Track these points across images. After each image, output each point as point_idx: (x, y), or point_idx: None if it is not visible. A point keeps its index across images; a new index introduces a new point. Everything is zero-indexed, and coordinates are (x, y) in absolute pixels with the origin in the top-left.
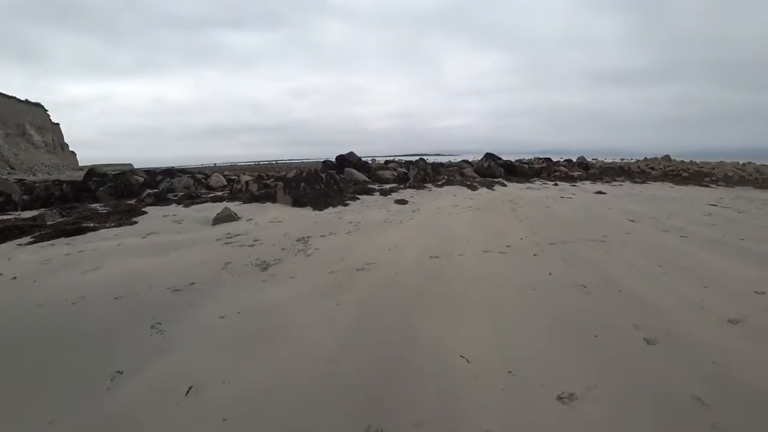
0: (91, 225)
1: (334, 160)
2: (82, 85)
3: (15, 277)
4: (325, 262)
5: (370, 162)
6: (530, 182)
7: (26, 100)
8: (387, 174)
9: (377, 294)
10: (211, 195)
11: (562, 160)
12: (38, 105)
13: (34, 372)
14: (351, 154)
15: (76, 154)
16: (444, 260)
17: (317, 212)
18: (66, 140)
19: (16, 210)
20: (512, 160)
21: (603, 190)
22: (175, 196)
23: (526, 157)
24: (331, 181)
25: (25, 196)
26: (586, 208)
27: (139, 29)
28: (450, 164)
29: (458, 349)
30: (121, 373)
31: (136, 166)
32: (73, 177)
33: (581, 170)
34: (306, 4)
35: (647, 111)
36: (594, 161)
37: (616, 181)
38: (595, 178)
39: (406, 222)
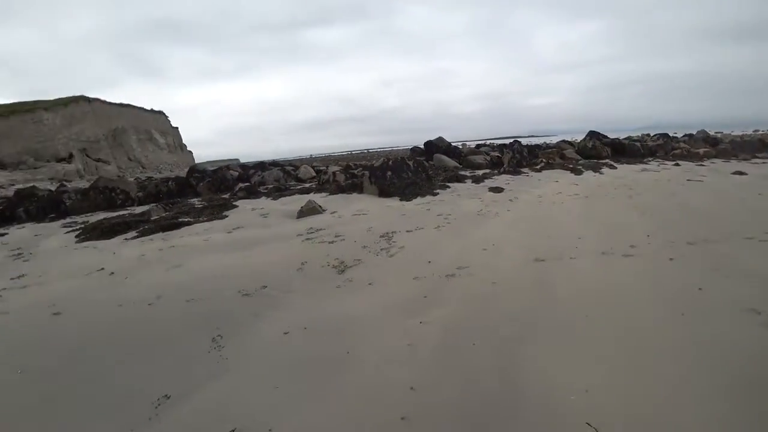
0: (186, 220)
1: (422, 146)
2: (194, 92)
3: (113, 273)
4: (409, 265)
5: (460, 147)
6: (644, 163)
7: (151, 109)
8: (479, 159)
9: (470, 311)
10: (299, 187)
11: (678, 135)
12: (161, 112)
13: (84, 387)
14: (440, 139)
15: (192, 153)
16: (552, 265)
17: (404, 203)
18: (184, 141)
19: (133, 205)
20: (619, 137)
21: (742, 170)
22: (266, 189)
23: (632, 134)
24: (419, 169)
25: (139, 193)
26: (727, 194)
27: (238, 37)
28: (547, 146)
29: (582, 408)
30: (168, 398)
31: (242, 161)
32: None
33: (707, 146)
34: None
35: None
36: (718, 134)
37: (757, 158)
38: (727, 155)
39: (503, 214)
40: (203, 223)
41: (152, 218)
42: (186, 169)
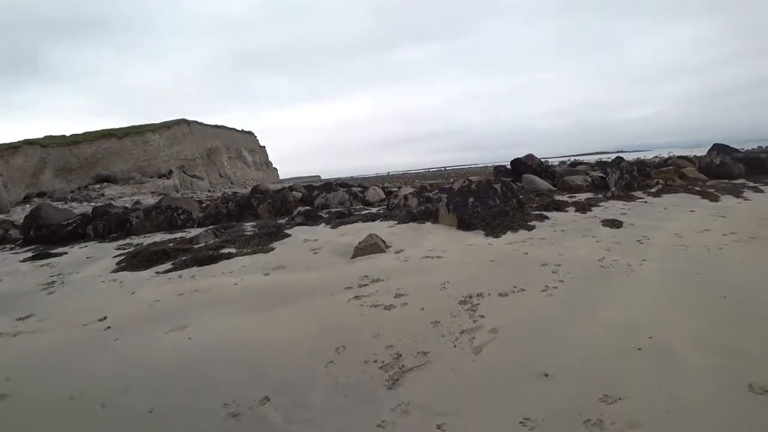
0: (227, 252)
1: (508, 164)
2: (281, 113)
3: (109, 327)
4: (509, 376)
5: (552, 165)
6: None
7: (242, 129)
8: (578, 180)
9: None
10: (365, 212)
11: None
12: (250, 132)
13: None
14: (530, 156)
15: (277, 170)
16: None
17: (491, 240)
18: (270, 158)
19: (193, 226)
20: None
21: None
22: (328, 213)
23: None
24: (508, 194)
25: (200, 214)
26: None
27: (324, 60)
28: (657, 162)
29: None
30: None
31: (323, 177)
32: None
33: None
34: (472, 7)
35: None
36: None
37: None
38: None
39: (636, 266)
40: (246, 257)
41: (199, 244)
42: (270, 185)
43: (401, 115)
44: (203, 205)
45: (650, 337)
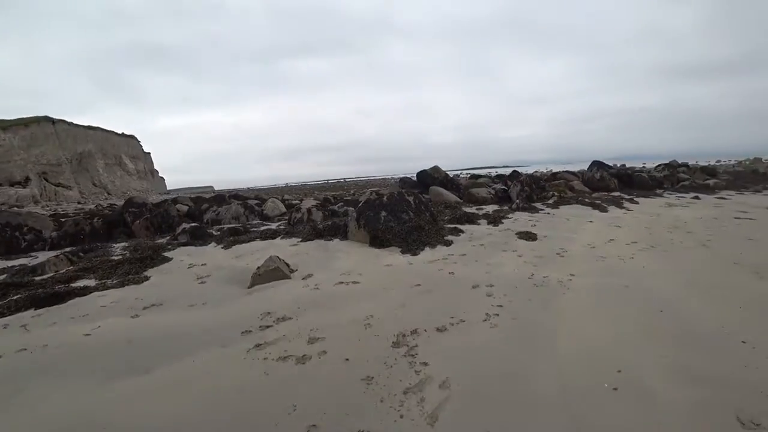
0: (82, 285)
1: (411, 176)
2: (171, 118)
3: None
4: None
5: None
6: (659, 196)
7: (122, 133)
8: (483, 192)
9: None
10: (263, 228)
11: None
12: (132, 137)
13: None
14: (435, 169)
15: (164, 180)
16: None
17: (410, 258)
18: (156, 167)
19: (44, 248)
20: (579, 168)
21: None
22: (220, 229)
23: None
24: (421, 207)
25: (53, 233)
26: None
27: (219, 64)
28: (548, 176)
29: None
30: None
31: (216, 189)
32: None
33: (706, 176)
34: (371, 27)
35: (734, 106)
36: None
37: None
38: (737, 186)
39: (568, 281)
40: (109, 291)
41: (44, 275)
42: (155, 196)
43: (299, 126)
44: (61, 221)
45: (619, 371)
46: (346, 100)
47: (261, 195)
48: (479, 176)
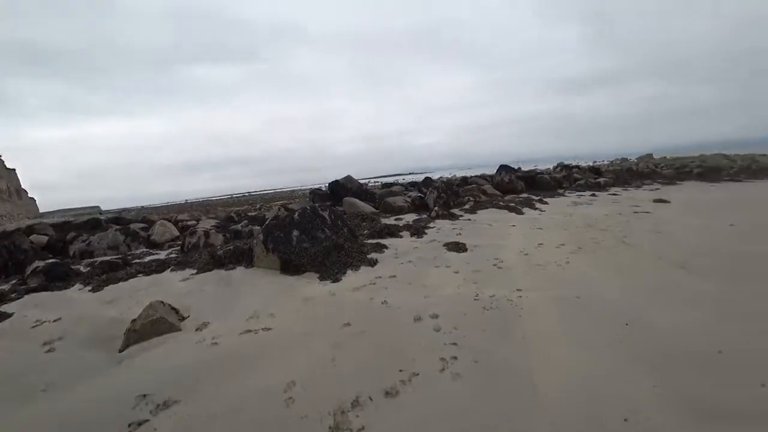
0: None
1: (322, 187)
2: (49, 128)
3: None
4: None
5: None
6: (563, 195)
7: None
8: (399, 201)
9: None
10: (149, 258)
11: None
12: None
13: None
14: (348, 179)
15: (35, 200)
16: None
17: (332, 286)
18: (26, 186)
19: None
20: (481, 173)
21: (662, 198)
22: (91, 264)
23: (492, 171)
24: (338, 222)
25: None
26: (707, 229)
27: (109, 69)
28: (460, 181)
29: None
30: None
31: (104, 208)
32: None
33: (595, 176)
34: (283, 35)
35: (605, 115)
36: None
37: (645, 185)
38: (621, 183)
39: (517, 298)
40: None
41: None
42: (25, 221)
43: (204, 138)
44: None
45: (625, 420)
46: (254, 111)
47: (150, 216)
48: (392, 184)
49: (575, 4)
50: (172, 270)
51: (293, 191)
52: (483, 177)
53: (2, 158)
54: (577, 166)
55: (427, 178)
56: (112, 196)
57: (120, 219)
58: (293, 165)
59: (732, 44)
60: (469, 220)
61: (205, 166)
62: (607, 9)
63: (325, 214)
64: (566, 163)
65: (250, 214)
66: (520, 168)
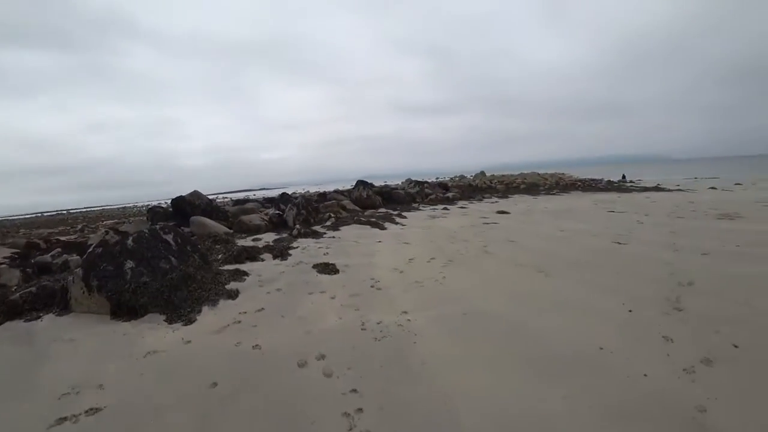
0: None
1: (162, 204)
2: None
3: None
4: None
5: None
6: (419, 209)
7: None
8: (256, 219)
9: None
10: None
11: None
12: None
13: None
14: (195, 194)
15: None
16: None
17: (185, 331)
18: None
19: None
20: (335, 188)
21: (503, 209)
22: None
23: (350, 185)
24: (186, 247)
25: None
26: (545, 235)
27: None
28: (318, 197)
29: None
30: None
31: None
32: None
33: (442, 191)
34: (108, 24)
35: (445, 137)
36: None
37: (485, 198)
38: (466, 197)
39: (408, 323)
40: None
41: None
42: None
43: (4, 140)
44: None
45: None
46: (71, 111)
47: None
48: (245, 200)
49: (425, 39)
50: None
51: (124, 209)
52: (341, 192)
53: None
54: (427, 182)
55: (283, 193)
56: None
57: None
58: (127, 179)
59: (547, 87)
60: (333, 237)
61: (7, 175)
62: (453, 47)
63: (169, 237)
64: (414, 179)
65: (65, 239)
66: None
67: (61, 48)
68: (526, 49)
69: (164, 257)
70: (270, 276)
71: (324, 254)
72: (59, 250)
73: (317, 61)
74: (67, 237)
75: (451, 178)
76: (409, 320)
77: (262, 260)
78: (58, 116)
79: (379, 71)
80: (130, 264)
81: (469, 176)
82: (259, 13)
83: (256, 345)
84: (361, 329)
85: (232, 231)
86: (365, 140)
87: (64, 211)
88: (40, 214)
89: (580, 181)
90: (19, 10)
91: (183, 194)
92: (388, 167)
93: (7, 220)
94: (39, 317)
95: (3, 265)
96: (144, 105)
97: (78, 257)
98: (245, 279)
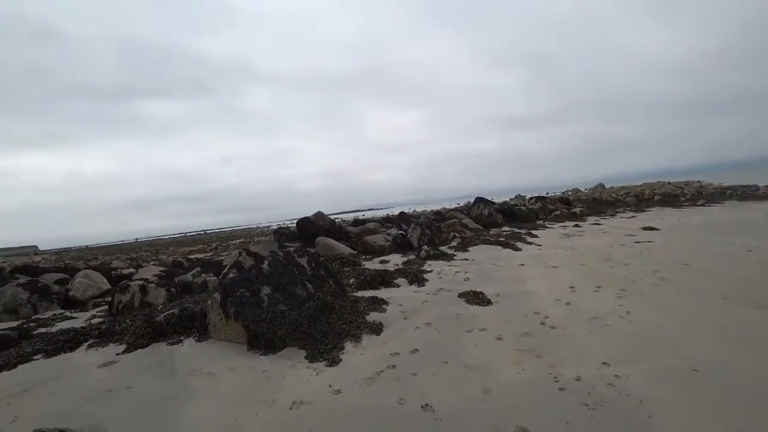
0: None
1: (287, 225)
2: None
3: None
4: None
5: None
6: (544, 227)
7: None
8: (379, 240)
9: None
10: (59, 327)
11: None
12: None
13: None
14: (320, 215)
15: None
16: None
17: (330, 373)
18: None
19: None
20: (442, 207)
21: (649, 225)
22: None
23: (458, 203)
24: (320, 272)
25: None
26: (723, 254)
27: (47, 99)
28: (434, 216)
29: None
30: None
31: (41, 248)
32: None
33: (565, 206)
34: (231, 72)
35: (549, 150)
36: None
37: (618, 213)
38: (595, 212)
39: (620, 383)
40: None
41: None
42: None
43: (155, 175)
44: None
45: None
46: (206, 148)
47: (75, 264)
48: (366, 220)
49: (519, 48)
50: (90, 346)
51: (250, 229)
52: (459, 210)
53: None
54: (547, 197)
55: (402, 213)
56: (51, 237)
57: (29, 268)
58: (251, 203)
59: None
60: (465, 260)
61: (157, 203)
62: (547, 50)
63: (303, 261)
64: (534, 194)
65: (201, 256)
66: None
67: (196, 96)
68: (630, 41)
69: (300, 283)
70: (412, 306)
71: (465, 280)
72: (198, 269)
73: (415, 82)
74: (204, 254)
75: (563, 193)
76: (617, 377)
77: (397, 286)
78: (195, 152)
79: (476, 86)
80: (266, 290)
81: (584, 189)
82: (356, 43)
83: (427, 405)
84: (559, 389)
85: (356, 252)
86: (467, 158)
87: (202, 232)
88: (184, 234)
89: (730, 188)
90: (161, 68)
91: (308, 215)
92: (492, 184)
93: (161, 239)
94: (180, 341)
95: (151, 284)
96: (262, 138)
97: (214, 277)
98: (385, 308)
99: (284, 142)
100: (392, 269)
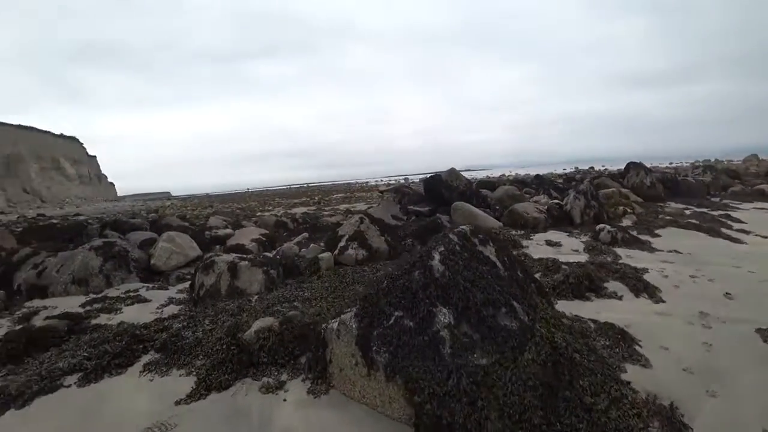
0: None
1: (405, 181)
2: (123, 120)
3: None
4: None
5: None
6: (726, 207)
7: (61, 134)
8: (532, 211)
9: None
10: (119, 317)
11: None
12: (73, 138)
13: None
14: (452, 173)
15: (114, 185)
16: None
17: None
18: (106, 172)
19: None
20: (548, 172)
21: None
22: (32, 312)
23: (555, 169)
24: (517, 273)
25: None
26: None
27: (175, 65)
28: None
29: None
30: None
31: (173, 194)
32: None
33: (733, 180)
34: (333, 30)
35: (675, 113)
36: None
37: None
38: None
39: None
40: None
41: None
42: (102, 204)
43: (264, 130)
44: None
45: None
46: (310, 105)
47: (167, 219)
48: (490, 182)
49: None
50: (146, 367)
51: (349, 184)
52: (611, 178)
53: (84, 146)
54: (714, 168)
55: (537, 175)
56: (181, 185)
57: (119, 223)
58: (350, 159)
59: None
60: (674, 251)
61: (268, 156)
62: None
63: (489, 251)
64: (653, 164)
65: (305, 210)
66: (576, 168)
67: (299, 55)
68: None
69: (504, 302)
70: (691, 355)
71: (724, 295)
72: (306, 235)
73: (522, 35)
74: (308, 207)
75: (696, 164)
76: None
77: (616, 295)
78: (300, 109)
79: (589, 39)
80: (444, 316)
81: (726, 161)
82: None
83: None
84: None
85: (502, 225)
86: (573, 120)
87: (305, 185)
88: (289, 186)
89: None
90: (271, 31)
91: (439, 172)
92: (603, 149)
93: (267, 190)
94: (281, 385)
95: (245, 262)
96: (362, 96)
97: (328, 254)
98: (642, 355)
99: (382, 99)
100: (574, 259)
